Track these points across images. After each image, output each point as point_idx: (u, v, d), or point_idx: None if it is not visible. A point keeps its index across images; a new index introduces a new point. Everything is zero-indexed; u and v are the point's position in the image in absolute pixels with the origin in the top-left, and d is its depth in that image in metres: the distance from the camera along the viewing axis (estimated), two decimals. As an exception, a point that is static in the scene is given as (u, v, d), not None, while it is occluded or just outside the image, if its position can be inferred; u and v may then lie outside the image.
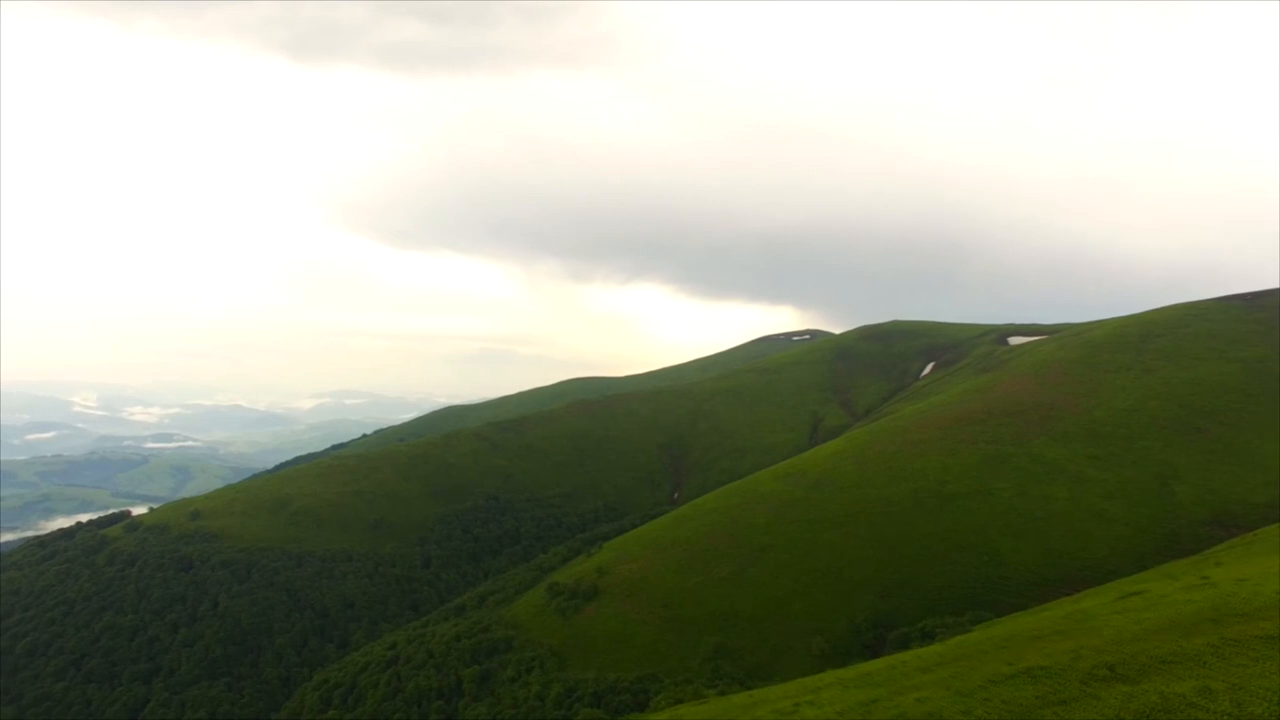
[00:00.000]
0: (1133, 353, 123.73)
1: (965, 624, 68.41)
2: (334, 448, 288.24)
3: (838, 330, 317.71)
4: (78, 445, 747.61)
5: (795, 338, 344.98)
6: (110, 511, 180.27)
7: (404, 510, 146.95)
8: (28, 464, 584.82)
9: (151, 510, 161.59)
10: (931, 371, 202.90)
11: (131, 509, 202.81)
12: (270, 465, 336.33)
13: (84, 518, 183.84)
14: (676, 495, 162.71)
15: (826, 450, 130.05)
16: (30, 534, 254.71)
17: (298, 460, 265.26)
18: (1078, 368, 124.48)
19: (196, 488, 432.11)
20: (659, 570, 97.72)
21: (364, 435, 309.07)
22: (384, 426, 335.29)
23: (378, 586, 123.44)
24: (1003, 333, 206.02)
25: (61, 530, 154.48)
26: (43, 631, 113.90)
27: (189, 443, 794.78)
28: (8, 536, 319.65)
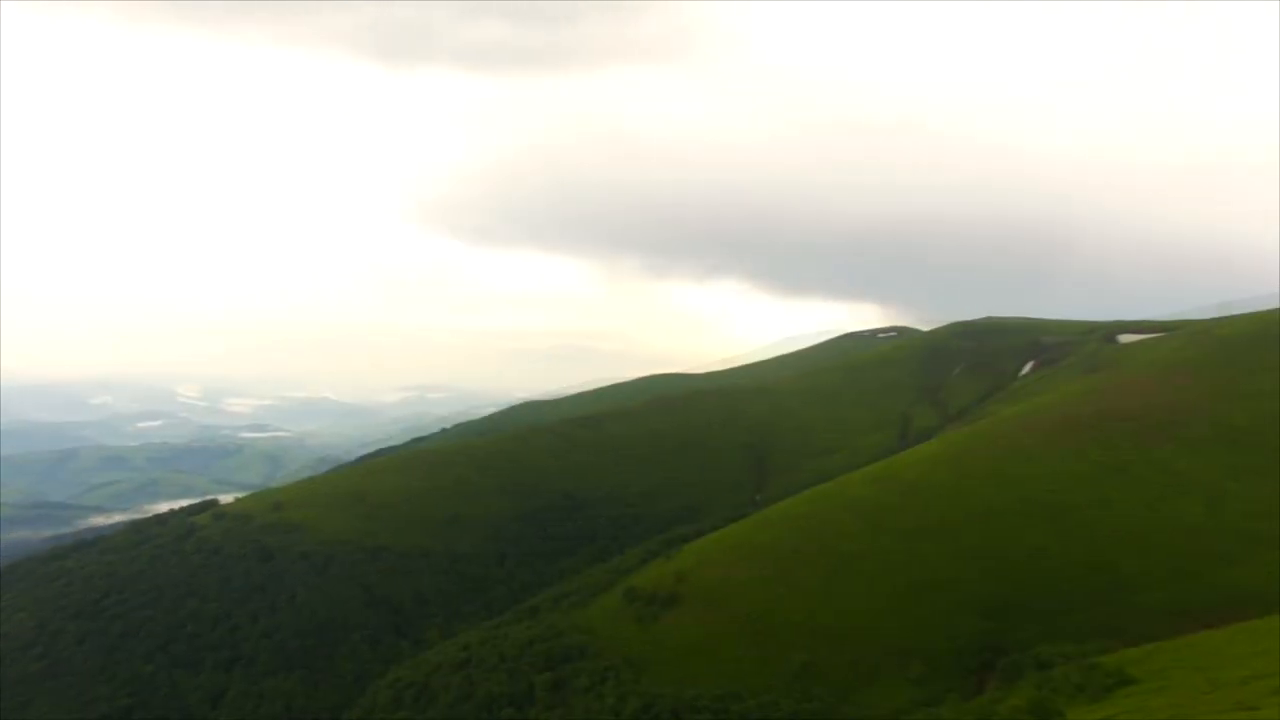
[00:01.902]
0: (1275, 351, 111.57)
1: (1089, 653, 60.94)
2: (414, 440, 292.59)
3: (925, 328, 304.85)
4: (181, 433, 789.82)
5: (881, 335, 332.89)
6: (203, 499, 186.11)
7: (480, 506, 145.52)
8: (138, 450, 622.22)
9: (237, 499, 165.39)
10: (1031, 371, 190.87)
11: (225, 496, 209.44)
12: (354, 456, 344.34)
13: (183, 503, 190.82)
14: (759, 497, 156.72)
15: (920, 453, 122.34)
16: (137, 516, 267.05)
17: (379, 452, 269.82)
18: (1207, 368, 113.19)
19: (286, 476, 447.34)
20: (741, 578, 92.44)
21: (443, 429, 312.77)
22: (464, 420, 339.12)
23: (452, 584, 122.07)
24: (1111, 330, 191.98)
25: (156, 516, 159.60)
26: (134, 615, 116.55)
27: (281, 433, 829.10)
28: (119, 517, 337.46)
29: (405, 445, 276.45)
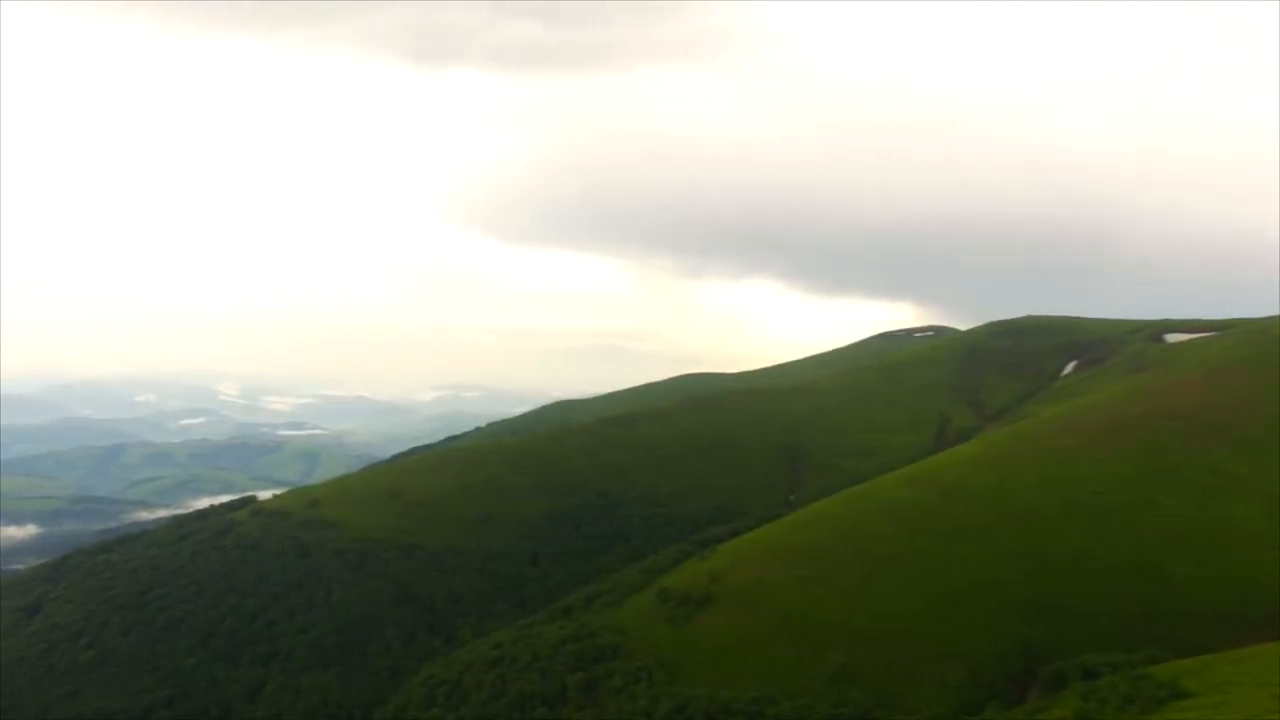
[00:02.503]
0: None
1: (1137, 663, 59.09)
2: (449, 439, 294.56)
3: (963, 327, 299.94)
4: (222, 431, 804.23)
5: (918, 334, 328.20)
6: (242, 495, 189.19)
7: (513, 505, 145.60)
8: (180, 446, 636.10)
9: (275, 496, 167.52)
10: (1073, 371, 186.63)
11: (264, 492, 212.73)
12: (390, 454, 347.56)
13: (223, 499, 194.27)
14: (793, 498, 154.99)
15: (959, 454, 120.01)
16: (179, 511, 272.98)
17: (414, 451, 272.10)
18: (1261, 368, 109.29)
19: (323, 474, 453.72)
20: (776, 579, 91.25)
21: (477, 428, 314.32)
22: (498, 419, 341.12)
23: (485, 582, 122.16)
24: (1158, 329, 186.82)
25: (197, 512, 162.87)
26: (177, 609, 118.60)
27: (318, 431, 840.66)
28: (162, 512, 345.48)
29: (440, 444, 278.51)
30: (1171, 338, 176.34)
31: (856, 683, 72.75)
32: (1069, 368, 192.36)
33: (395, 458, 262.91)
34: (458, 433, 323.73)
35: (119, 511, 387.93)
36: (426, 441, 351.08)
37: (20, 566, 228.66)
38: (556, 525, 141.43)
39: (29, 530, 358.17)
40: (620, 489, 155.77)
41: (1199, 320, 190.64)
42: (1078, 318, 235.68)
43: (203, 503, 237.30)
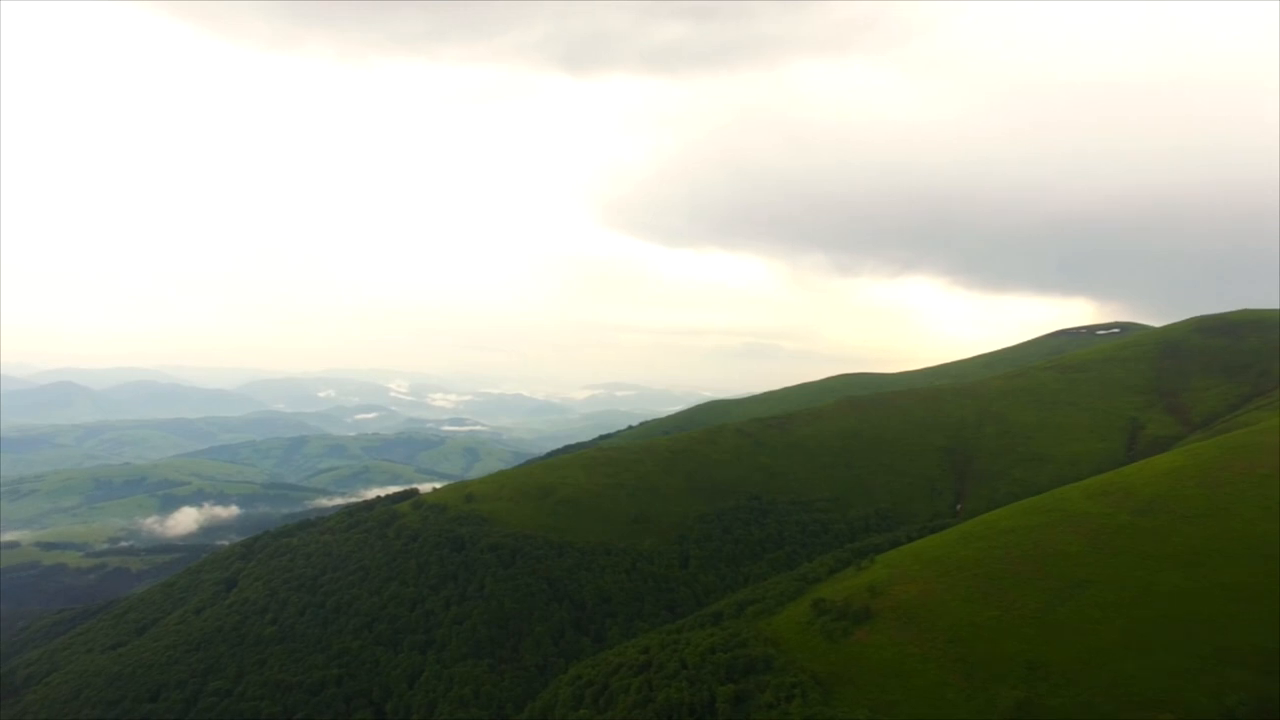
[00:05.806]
0: None
1: None
2: (601, 438, 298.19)
3: (1157, 323, 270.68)
4: (391, 425, 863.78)
5: (1101, 331, 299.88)
6: (407, 487, 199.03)
7: (663, 506, 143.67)
8: (355, 439, 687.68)
9: (434, 490, 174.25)
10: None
11: (427, 484, 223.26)
12: (544, 451, 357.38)
13: (391, 489, 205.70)
14: (960, 507, 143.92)
15: (1158, 466, 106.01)
16: (353, 499, 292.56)
17: (567, 449, 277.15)
18: None
19: (482, 468, 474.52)
20: (942, 596, 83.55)
21: (629, 427, 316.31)
22: (650, 419, 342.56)
23: (635, 583, 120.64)
24: None
25: (364, 502, 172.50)
26: (345, 593, 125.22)
27: (478, 427, 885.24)
28: (338, 500, 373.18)
29: (592, 442, 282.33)
30: None
31: (1040, 720, 64.59)
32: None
33: (549, 455, 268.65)
34: (610, 431, 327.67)
35: (302, 497, 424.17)
36: (580, 439, 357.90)
37: (225, 542, 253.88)
38: (708, 528, 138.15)
39: (232, 510, 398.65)
40: (773, 492, 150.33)
41: None
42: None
43: (373, 492, 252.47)
